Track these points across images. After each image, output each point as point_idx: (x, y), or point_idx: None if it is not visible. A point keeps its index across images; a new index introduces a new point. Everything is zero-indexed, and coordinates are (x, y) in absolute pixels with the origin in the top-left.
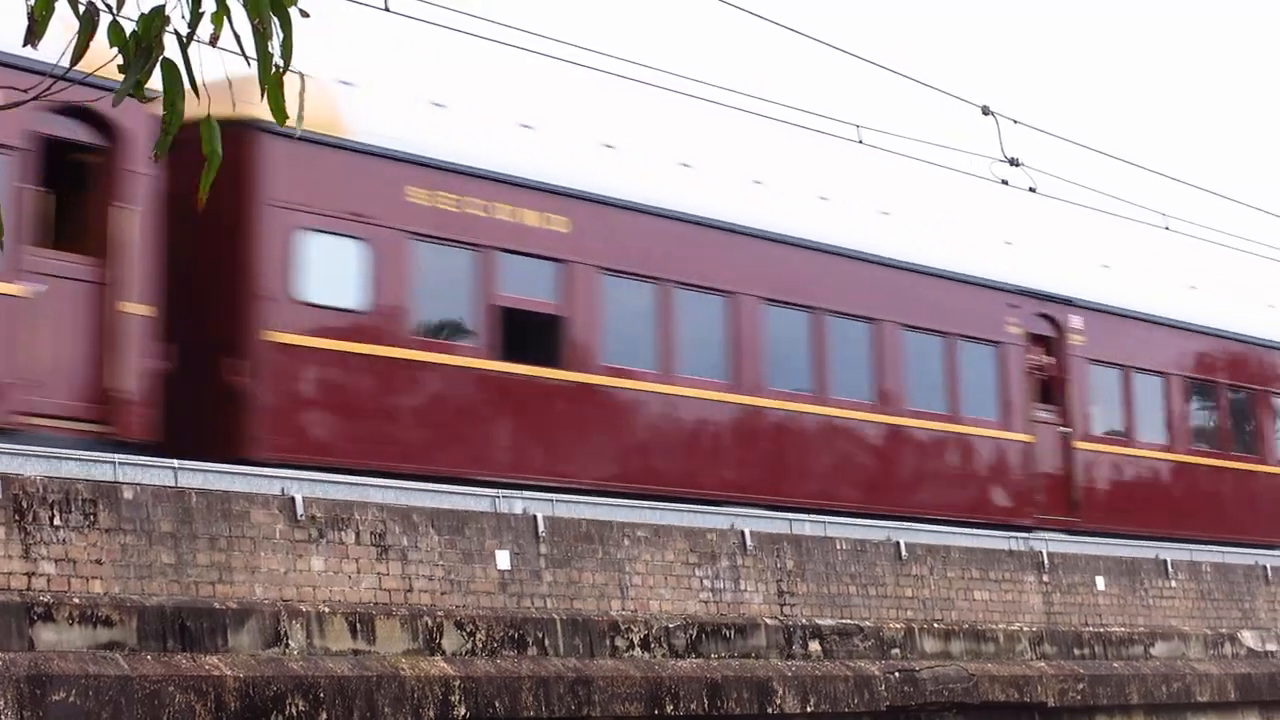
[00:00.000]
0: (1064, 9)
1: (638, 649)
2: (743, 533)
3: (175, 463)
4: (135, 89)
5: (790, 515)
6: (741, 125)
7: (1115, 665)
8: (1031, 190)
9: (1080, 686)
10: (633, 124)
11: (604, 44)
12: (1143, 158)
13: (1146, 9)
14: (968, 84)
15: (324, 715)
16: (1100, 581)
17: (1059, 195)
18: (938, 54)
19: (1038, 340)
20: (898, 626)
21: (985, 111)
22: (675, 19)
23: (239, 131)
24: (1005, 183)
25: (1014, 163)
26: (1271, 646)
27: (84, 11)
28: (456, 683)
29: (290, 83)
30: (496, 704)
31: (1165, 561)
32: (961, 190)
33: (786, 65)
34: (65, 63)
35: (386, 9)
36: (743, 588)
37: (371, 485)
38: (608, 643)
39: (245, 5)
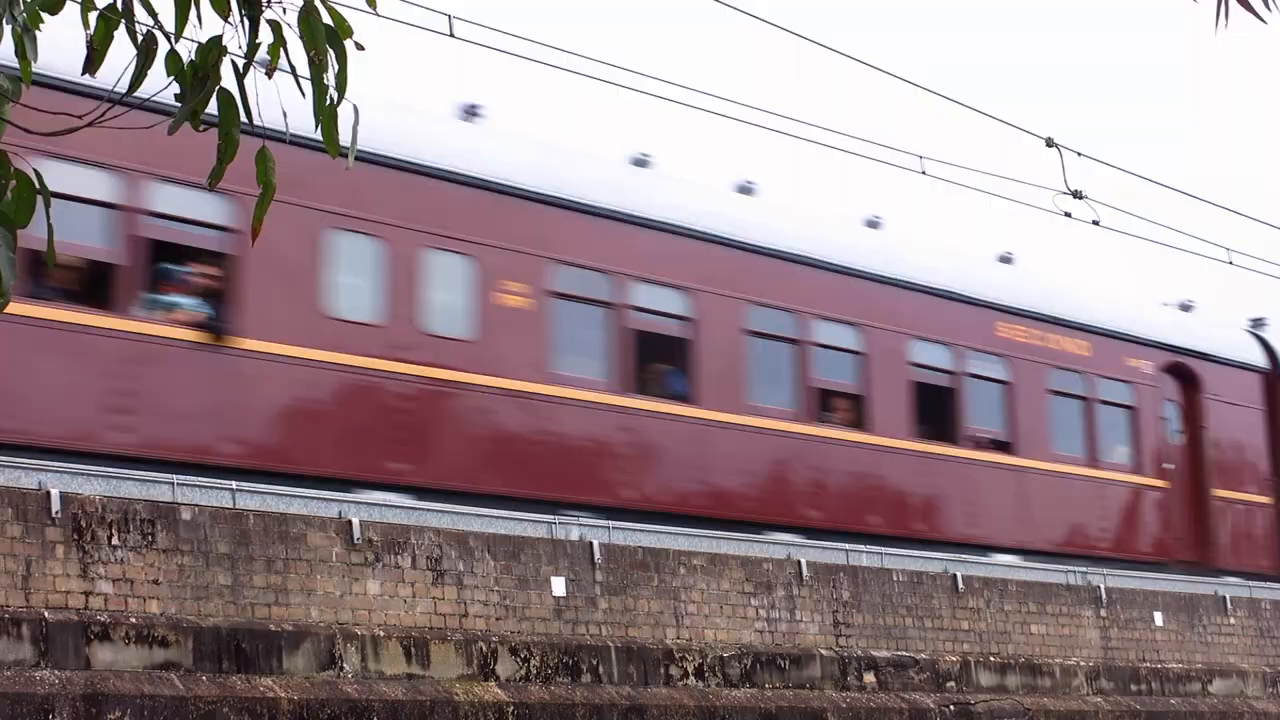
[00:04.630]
0: (1128, 42)
1: (692, 678)
2: (799, 562)
3: (233, 484)
4: (190, 118)
5: (847, 546)
6: (806, 154)
7: (1172, 702)
8: (1095, 223)
9: None
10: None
11: (667, 72)
12: (1206, 191)
13: (1210, 43)
14: (1031, 116)
15: None
16: (1158, 617)
17: (1122, 228)
18: (1002, 85)
19: None
20: (954, 659)
21: (1049, 143)
22: (739, 47)
23: None
24: (1068, 215)
25: (1077, 195)
26: None
27: (142, 40)
28: (510, 709)
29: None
30: None
31: (1224, 598)
32: (1024, 222)
33: (851, 95)
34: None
35: (451, 34)
36: (798, 618)
37: (429, 510)
38: (662, 671)
39: (302, 37)
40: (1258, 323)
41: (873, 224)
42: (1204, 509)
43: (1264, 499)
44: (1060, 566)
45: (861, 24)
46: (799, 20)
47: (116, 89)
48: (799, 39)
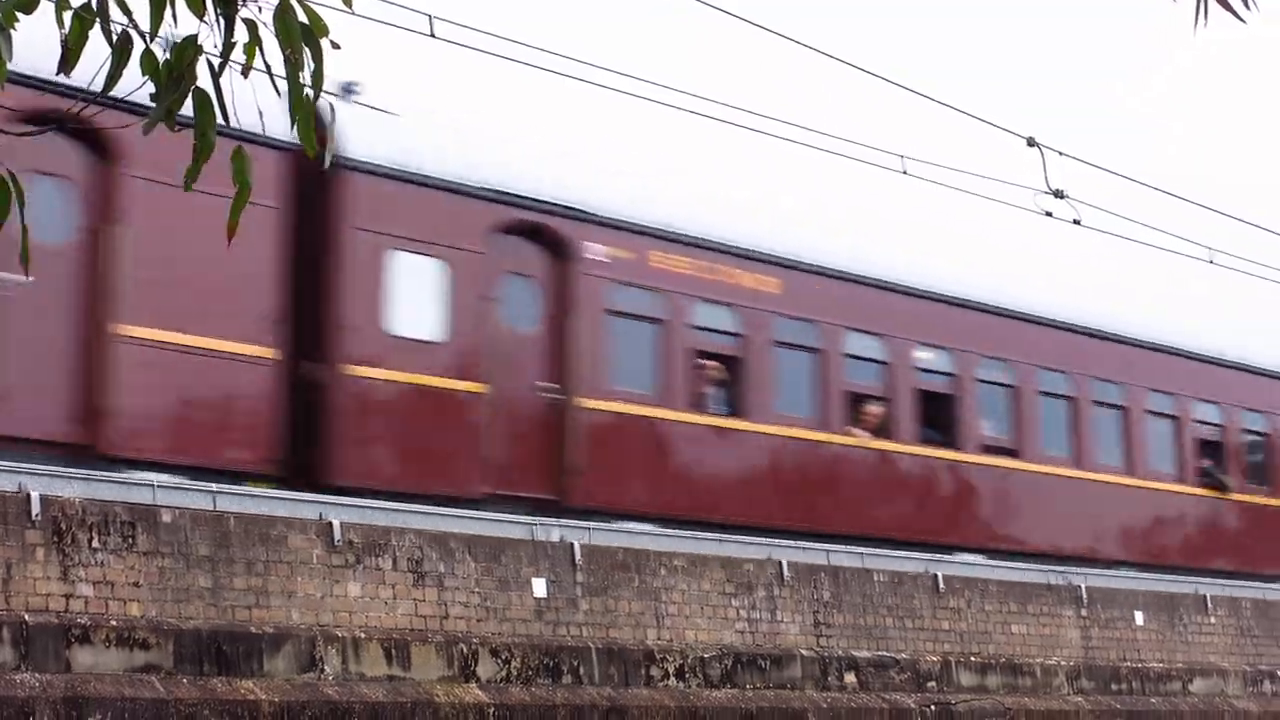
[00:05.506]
0: (1110, 41)
1: (673, 679)
2: (780, 563)
3: (214, 486)
4: (166, 117)
5: (828, 546)
6: (789, 154)
7: (1153, 701)
8: (1076, 222)
9: None
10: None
11: (645, 72)
12: (1188, 190)
13: (1192, 43)
14: (1013, 115)
15: None
16: (1139, 616)
17: (1103, 228)
18: (983, 85)
19: None
20: (934, 659)
21: (1030, 143)
22: (715, 45)
23: None
24: (1049, 214)
25: (1058, 194)
26: None
27: (117, 39)
28: (491, 710)
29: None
30: None
31: (1205, 597)
32: (1005, 221)
33: (832, 94)
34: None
35: (431, 35)
36: (779, 618)
37: (409, 511)
38: (643, 672)
39: (277, 35)
40: (349, 88)
41: None
42: (93, 355)
43: (256, 350)
44: (1041, 566)
45: (840, 22)
46: (777, 18)
47: (91, 88)
48: (778, 37)
